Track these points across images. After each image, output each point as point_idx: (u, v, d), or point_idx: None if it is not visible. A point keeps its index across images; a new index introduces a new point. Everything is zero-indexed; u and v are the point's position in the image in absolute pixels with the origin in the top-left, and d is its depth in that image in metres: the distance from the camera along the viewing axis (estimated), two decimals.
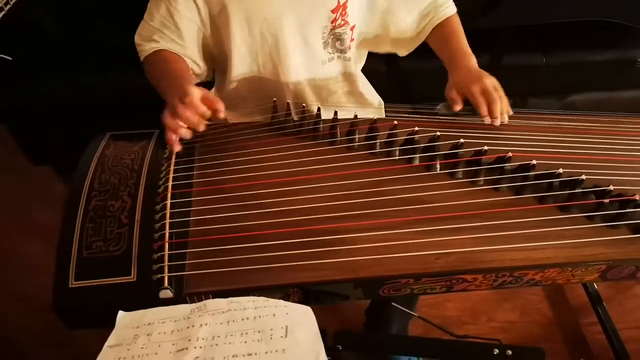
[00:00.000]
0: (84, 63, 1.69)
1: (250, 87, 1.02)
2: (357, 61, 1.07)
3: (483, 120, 0.89)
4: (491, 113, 0.88)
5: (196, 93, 0.76)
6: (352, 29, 0.97)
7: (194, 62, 0.97)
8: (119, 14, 1.70)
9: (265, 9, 0.89)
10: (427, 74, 1.07)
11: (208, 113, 0.78)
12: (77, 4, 1.70)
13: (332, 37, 0.96)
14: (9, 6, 1.45)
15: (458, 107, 0.91)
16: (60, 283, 0.66)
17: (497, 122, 0.89)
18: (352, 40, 0.99)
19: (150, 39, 0.93)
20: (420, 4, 1.01)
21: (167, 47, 0.93)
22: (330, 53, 0.99)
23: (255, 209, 0.74)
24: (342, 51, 0.99)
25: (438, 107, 0.95)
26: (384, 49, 1.09)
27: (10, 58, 1.59)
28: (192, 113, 0.76)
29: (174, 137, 0.79)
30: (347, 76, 1.06)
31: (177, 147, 0.81)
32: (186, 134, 0.79)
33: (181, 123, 0.77)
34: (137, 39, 0.96)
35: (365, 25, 1.01)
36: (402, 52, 1.09)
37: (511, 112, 0.91)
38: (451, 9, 1.02)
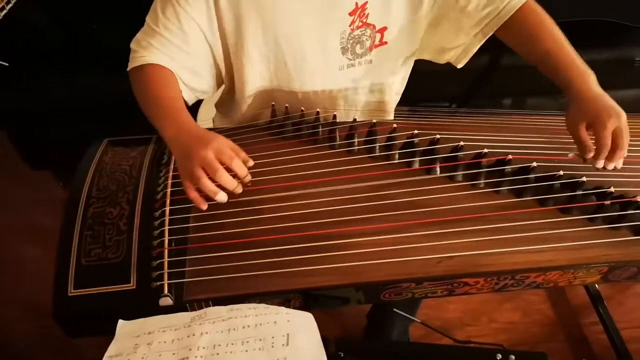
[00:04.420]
0: (82, 66, 1.68)
1: (262, 99, 0.96)
2: (392, 69, 0.98)
3: (594, 163, 0.76)
4: (612, 158, 0.75)
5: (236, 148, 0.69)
6: (379, 31, 0.89)
7: (197, 73, 0.88)
8: (116, 16, 1.71)
9: (280, 13, 0.84)
10: (425, 74, 1.05)
11: (249, 177, 0.71)
12: (75, 7, 1.70)
13: (351, 41, 0.88)
14: (4, 11, 1.45)
15: (590, 154, 0.75)
16: (60, 291, 0.66)
17: (611, 167, 0.76)
18: (382, 43, 0.90)
19: (148, 44, 0.83)
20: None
21: (163, 59, 0.83)
22: (349, 59, 0.91)
23: (255, 215, 0.73)
24: (363, 55, 0.91)
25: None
26: (434, 56, 0.99)
27: (6, 64, 1.59)
28: (230, 179, 0.68)
29: (199, 196, 0.69)
30: (371, 83, 0.97)
31: (205, 205, 0.70)
32: (223, 198, 0.69)
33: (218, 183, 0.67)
34: (133, 45, 0.86)
35: (408, 29, 0.91)
36: (459, 60, 0.96)
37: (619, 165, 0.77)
38: None
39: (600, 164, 0.75)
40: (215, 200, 0.68)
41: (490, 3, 0.87)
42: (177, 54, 0.84)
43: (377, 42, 0.91)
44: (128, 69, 0.86)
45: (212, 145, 0.68)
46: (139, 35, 0.86)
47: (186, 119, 0.76)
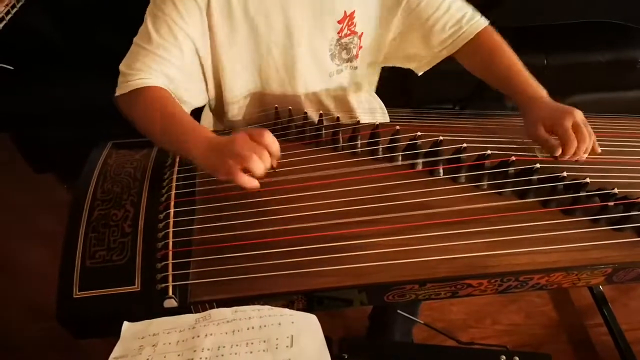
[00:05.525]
0: (84, 70, 1.69)
1: (254, 105, 0.98)
2: (367, 73, 1.03)
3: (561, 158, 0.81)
4: (577, 151, 0.79)
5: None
6: (360, 37, 0.93)
7: (188, 89, 0.88)
8: (118, 20, 1.71)
9: (272, 22, 0.85)
10: (428, 76, 1.06)
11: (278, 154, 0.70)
12: (77, 11, 1.71)
13: (338, 47, 0.92)
14: (10, 15, 1.46)
15: (559, 152, 0.80)
16: (64, 293, 0.66)
17: (582, 159, 0.81)
18: (360, 48, 0.95)
19: (144, 65, 0.80)
20: (448, 16, 0.92)
21: (161, 80, 0.81)
22: (337, 65, 0.95)
23: (259, 217, 0.74)
24: (349, 60, 0.95)
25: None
26: (400, 63, 1.03)
27: (11, 68, 1.59)
28: (267, 156, 0.67)
29: (247, 179, 0.67)
30: (356, 87, 1.02)
31: (257, 183, 0.68)
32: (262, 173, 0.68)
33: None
34: (124, 68, 0.82)
35: (378, 35, 0.95)
36: (421, 69, 1.02)
37: (598, 151, 0.83)
38: (483, 21, 0.94)
39: (567, 157, 0.80)
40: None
41: (456, 24, 0.93)
42: (173, 71, 0.83)
43: (359, 46, 0.94)
44: (119, 93, 0.82)
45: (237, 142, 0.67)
46: (129, 58, 0.82)
47: (209, 134, 0.73)
